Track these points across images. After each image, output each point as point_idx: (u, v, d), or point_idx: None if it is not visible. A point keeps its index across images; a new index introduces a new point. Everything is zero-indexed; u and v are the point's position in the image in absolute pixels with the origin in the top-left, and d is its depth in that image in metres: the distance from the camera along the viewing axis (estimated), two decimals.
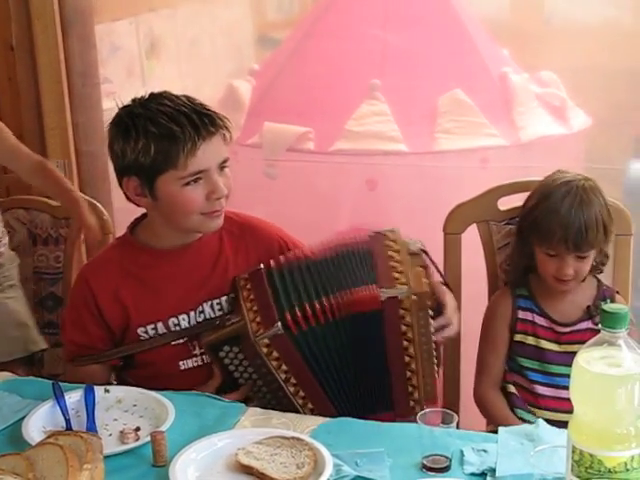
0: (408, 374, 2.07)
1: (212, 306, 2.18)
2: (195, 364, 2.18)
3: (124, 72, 3.88)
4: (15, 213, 2.77)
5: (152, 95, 2.13)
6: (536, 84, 3.64)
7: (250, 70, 3.86)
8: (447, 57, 3.51)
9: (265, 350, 2.02)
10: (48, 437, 1.72)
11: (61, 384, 2.04)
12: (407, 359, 2.06)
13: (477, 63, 3.52)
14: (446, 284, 2.24)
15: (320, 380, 2.08)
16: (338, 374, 2.09)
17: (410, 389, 2.08)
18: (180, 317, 2.17)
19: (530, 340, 2.38)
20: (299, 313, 2.04)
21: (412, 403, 2.08)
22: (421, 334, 2.05)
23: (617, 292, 2.41)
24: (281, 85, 3.61)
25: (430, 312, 2.06)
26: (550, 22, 4.09)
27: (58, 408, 1.96)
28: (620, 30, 3.80)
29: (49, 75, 3.29)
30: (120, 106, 2.14)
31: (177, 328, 2.17)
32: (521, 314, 2.39)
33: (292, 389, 2.07)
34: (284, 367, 2.05)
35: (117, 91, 3.65)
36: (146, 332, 2.17)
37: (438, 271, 2.25)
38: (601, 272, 2.41)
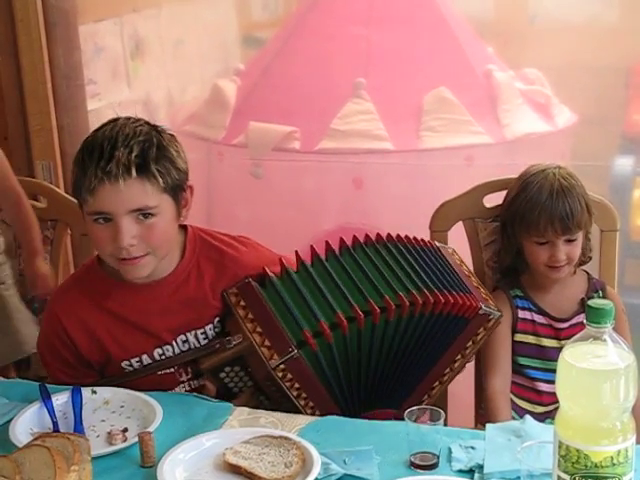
0: (436, 383, 2.09)
1: (196, 335, 2.12)
2: (183, 390, 2.14)
3: (108, 73, 3.86)
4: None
5: (128, 118, 2.04)
6: (521, 81, 3.65)
7: (235, 70, 3.86)
8: (432, 55, 3.51)
9: (280, 375, 1.97)
10: (35, 439, 1.71)
11: (48, 386, 2.04)
12: (447, 370, 2.08)
13: (462, 61, 3.53)
14: None
15: (332, 388, 2.05)
16: (359, 373, 2.06)
17: (425, 397, 2.08)
18: (165, 347, 2.12)
19: (530, 339, 2.39)
20: (325, 324, 1.98)
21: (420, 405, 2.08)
22: (473, 354, 2.10)
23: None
24: (266, 85, 3.61)
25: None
26: (535, 19, 4.10)
27: (45, 410, 1.95)
28: (605, 27, 3.81)
29: (33, 77, 3.28)
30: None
31: (162, 357, 2.12)
32: (521, 314, 2.39)
33: (302, 402, 2.02)
34: (296, 385, 1.99)
35: (102, 92, 3.64)
36: (131, 365, 2.12)
37: None
38: (586, 263, 2.41)
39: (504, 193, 2.48)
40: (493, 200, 2.52)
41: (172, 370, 2.13)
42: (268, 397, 2.07)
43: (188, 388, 2.15)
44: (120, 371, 2.12)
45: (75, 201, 2.66)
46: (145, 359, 2.12)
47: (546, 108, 3.61)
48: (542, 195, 2.29)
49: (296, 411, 2.04)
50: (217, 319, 2.13)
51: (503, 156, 3.36)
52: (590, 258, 2.42)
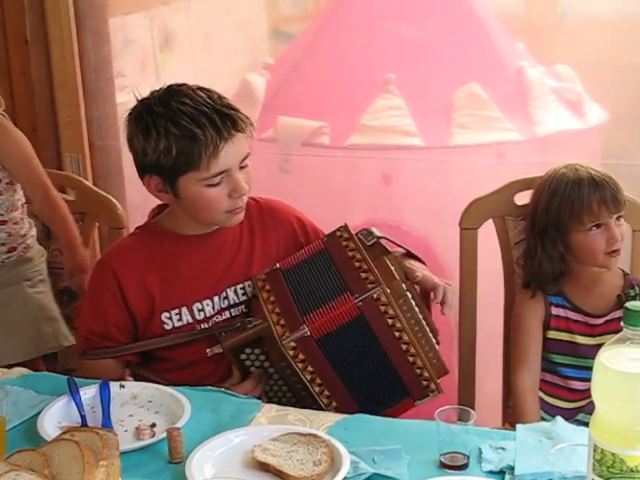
0: (411, 359, 2.05)
1: (236, 291, 2.20)
2: (220, 350, 2.16)
3: (137, 66, 3.86)
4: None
5: (171, 90, 2.11)
6: (552, 78, 3.61)
7: (265, 64, 3.85)
8: (462, 51, 3.48)
9: (291, 353, 2.01)
10: (64, 433, 1.71)
11: (76, 379, 2.04)
12: (404, 347, 2.04)
13: (493, 57, 3.50)
14: (411, 254, 2.26)
15: (344, 378, 2.07)
16: (355, 373, 2.08)
17: (418, 371, 2.06)
18: (204, 302, 2.18)
19: (564, 336, 2.37)
20: (312, 319, 2.03)
21: (425, 382, 2.07)
22: (408, 318, 2.05)
23: None
24: (296, 79, 3.59)
25: (408, 294, 2.07)
26: (566, 15, 4.06)
27: (73, 404, 1.96)
28: (637, 23, 3.77)
29: (63, 69, 3.29)
30: (138, 98, 2.13)
31: (201, 314, 2.18)
32: (554, 310, 2.38)
33: (317, 389, 2.05)
34: (310, 368, 2.03)
35: (130, 85, 3.64)
36: (170, 318, 2.17)
37: (399, 245, 2.27)
38: None
39: None
40: (524, 198, 2.51)
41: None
42: (283, 380, 2.10)
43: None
44: (160, 327, 2.17)
45: (105, 194, 2.73)
46: (184, 312, 2.17)
47: (577, 105, 3.57)
48: (583, 182, 2.31)
49: (312, 401, 2.06)
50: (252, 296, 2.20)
51: (534, 153, 3.33)
52: None
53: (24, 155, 2.64)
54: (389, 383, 2.09)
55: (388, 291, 2.01)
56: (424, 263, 2.27)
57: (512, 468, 1.70)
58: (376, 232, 2.19)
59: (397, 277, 2.07)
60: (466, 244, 2.52)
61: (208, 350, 2.15)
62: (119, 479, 1.61)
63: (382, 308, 2.02)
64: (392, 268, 2.09)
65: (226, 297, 2.20)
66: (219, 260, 2.21)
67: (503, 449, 1.76)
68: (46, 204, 2.68)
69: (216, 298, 2.19)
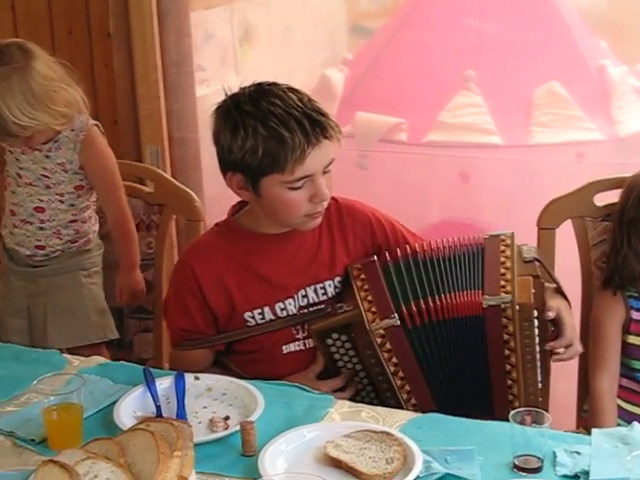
0: (509, 382, 2.06)
1: (316, 290, 2.20)
2: (298, 348, 2.19)
3: (217, 60, 3.89)
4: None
5: (262, 89, 2.09)
6: (635, 77, 3.56)
7: (343, 59, 3.85)
8: (543, 48, 3.44)
9: (379, 340, 2.04)
10: (139, 423, 1.73)
11: (152, 370, 2.07)
12: (508, 367, 2.05)
13: (574, 55, 3.46)
14: (562, 293, 2.21)
15: (427, 376, 2.08)
16: (443, 373, 2.08)
17: (510, 397, 2.06)
18: (286, 302, 2.18)
19: None
20: (414, 308, 2.05)
21: None
22: (525, 344, 2.04)
23: None
24: (374, 75, 3.58)
25: (536, 322, 2.05)
26: None
27: (149, 394, 1.98)
28: None
29: (144, 63, 3.32)
30: (228, 93, 2.12)
31: (284, 313, 2.18)
32: (635, 315, 2.34)
33: (399, 382, 2.07)
34: (394, 359, 2.06)
35: (210, 79, 3.67)
36: (253, 317, 2.17)
37: (554, 280, 2.22)
38: None
39: (616, 192, 2.42)
40: (604, 199, 2.47)
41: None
42: (365, 371, 2.11)
43: (302, 347, 2.19)
44: (243, 325, 2.18)
45: (183, 187, 2.75)
46: (267, 312, 2.18)
47: None
48: None
49: (392, 395, 2.08)
50: (338, 279, 2.21)
51: (615, 154, 3.28)
52: None
53: (108, 174, 2.69)
54: (478, 396, 2.10)
55: (517, 308, 2.01)
56: (570, 305, 2.22)
57: (587, 473, 1.68)
58: (535, 252, 2.19)
59: (532, 301, 2.05)
60: (544, 244, 2.49)
61: (284, 347, 2.17)
62: (192, 470, 1.63)
63: (504, 321, 2.02)
64: (532, 291, 2.06)
65: (305, 295, 2.19)
66: (298, 259, 2.20)
67: (578, 453, 1.74)
68: (117, 224, 2.74)
69: (297, 297, 2.19)
